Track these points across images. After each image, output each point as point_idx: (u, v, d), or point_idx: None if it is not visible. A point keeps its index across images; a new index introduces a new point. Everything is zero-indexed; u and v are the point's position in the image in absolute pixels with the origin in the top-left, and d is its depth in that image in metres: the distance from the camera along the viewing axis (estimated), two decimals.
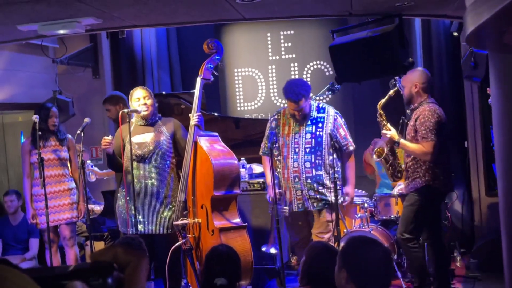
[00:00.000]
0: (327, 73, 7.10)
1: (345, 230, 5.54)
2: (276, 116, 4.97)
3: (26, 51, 6.49)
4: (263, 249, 4.80)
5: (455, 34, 5.96)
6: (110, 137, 4.63)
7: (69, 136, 5.49)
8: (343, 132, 4.86)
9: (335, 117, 4.85)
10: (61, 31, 4.08)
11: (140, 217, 4.58)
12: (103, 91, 7.09)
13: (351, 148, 4.91)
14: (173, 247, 4.42)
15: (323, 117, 4.82)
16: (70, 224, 5.40)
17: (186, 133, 4.72)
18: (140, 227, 4.56)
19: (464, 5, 3.45)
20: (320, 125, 4.78)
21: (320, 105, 4.90)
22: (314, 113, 4.81)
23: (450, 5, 4.16)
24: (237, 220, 4.56)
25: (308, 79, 7.15)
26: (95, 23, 4.07)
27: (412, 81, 4.62)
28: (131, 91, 4.74)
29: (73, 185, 5.43)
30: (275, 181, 4.73)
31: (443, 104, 6.59)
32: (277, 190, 4.69)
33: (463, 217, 6.48)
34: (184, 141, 4.66)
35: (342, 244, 4.68)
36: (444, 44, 6.54)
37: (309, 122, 4.79)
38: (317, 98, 6.81)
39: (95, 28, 4.42)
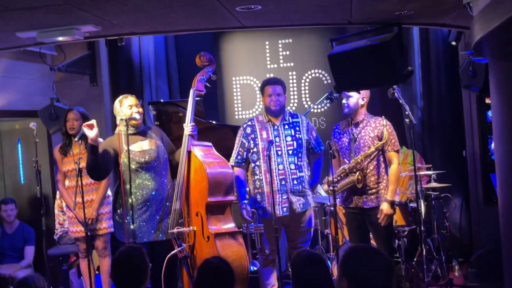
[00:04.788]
0: (325, 82, 7.10)
1: (343, 240, 5.53)
2: (249, 123, 4.96)
3: (24, 58, 6.48)
4: None
5: (453, 43, 5.98)
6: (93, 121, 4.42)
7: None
8: (315, 133, 5.03)
9: (307, 121, 5.03)
10: (60, 38, 4.06)
11: (141, 225, 4.55)
12: (100, 99, 7.09)
13: (323, 148, 5.04)
14: (168, 255, 4.40)
15: (298, 122, 4.96)
16: (104, 235, 5.32)
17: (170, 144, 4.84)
18: (140, 236, 4.53)
19: (463, 14, 3.46)
20: (297, 128, 4.91)
21: (292, 112, 5.07)
22: (289, 118, 4.93)
23: (449, 15, 4.17)
24: (232, 225, 4.54)
25: (306, 88, 7.16)
26: (94, 30, 4.06)
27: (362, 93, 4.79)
28: (120, 98, 4.68)
29: (109, 192, 5.30)
30: (246, 199, 4.79)
31: (441, 113, 6.64)
32: (249, 209, 4.69)
33: (461, 226, 6.48)
34: (172, 153, 4.77)
35: (340, 253, 4.66)
36: (442, 53, 6.56)
37: (286, 127, 4.88)
38: (315, 106, 6.85)
39: (94, 36, 4.40)
